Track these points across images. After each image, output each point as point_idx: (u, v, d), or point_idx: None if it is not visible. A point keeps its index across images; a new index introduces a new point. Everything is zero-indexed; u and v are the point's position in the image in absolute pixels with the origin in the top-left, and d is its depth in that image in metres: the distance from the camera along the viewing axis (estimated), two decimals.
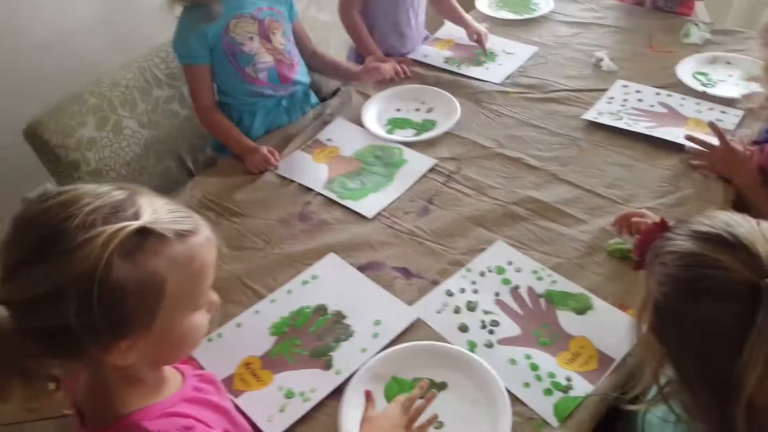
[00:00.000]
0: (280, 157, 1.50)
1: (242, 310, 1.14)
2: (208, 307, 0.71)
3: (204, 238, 0.67)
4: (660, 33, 1.88)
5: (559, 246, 1.20)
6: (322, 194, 1.39)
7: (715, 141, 1.36)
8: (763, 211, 1.24)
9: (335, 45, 2.28)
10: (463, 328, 1.06)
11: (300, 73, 1.64)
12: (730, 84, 1.61)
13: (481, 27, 1.93)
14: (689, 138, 1.36)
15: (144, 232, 0.60)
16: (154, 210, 0.63)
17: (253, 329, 1.10)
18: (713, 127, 1.33)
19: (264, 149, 1.48)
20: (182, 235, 0.64)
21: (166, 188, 1.73)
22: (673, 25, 1.92)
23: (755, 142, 1.30)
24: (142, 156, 1.65)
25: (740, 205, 1.27)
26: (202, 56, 1.50)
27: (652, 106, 1.56)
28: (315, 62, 1.75)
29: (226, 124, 1.56)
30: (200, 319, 0.70)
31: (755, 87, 1.36)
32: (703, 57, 1.71)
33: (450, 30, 2.03)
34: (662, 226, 0.79)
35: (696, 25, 1.82)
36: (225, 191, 1.42)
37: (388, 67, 1.72)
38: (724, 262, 0.64)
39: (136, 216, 0.61)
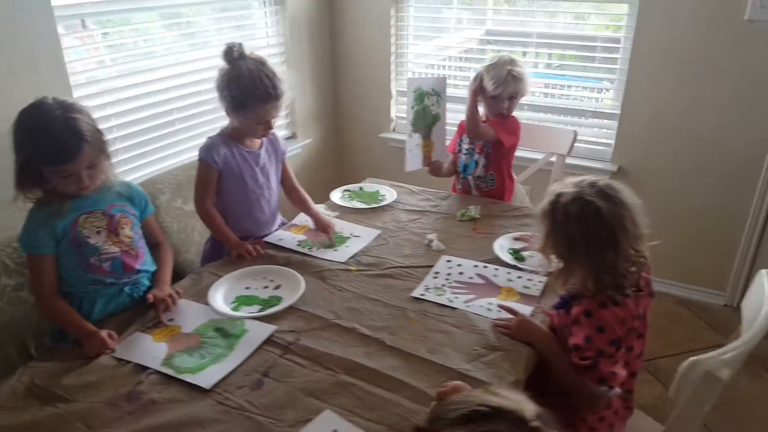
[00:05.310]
0: (118, 340, 1.49)
1: None
2: None
3: None
4: (483, 218, 2.20)
5: (383, 412, 1.26)
6: (157, 372, 1.39)
7: (522, 308, 1.59)
8: (556, 364, 1.42)
9: (200, 230, 2.40)
10: None
11: (145, 263, 1.71)
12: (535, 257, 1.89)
13: (330, 219, 2.14)
14: (501, 307, 1.59)
15: None
16: None
17: None
18: (503, 307, 1.59)
19: (103, 333, 1.47)
20: None
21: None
22: (493, 211, 2.26)
23: (554, 307, 1.51)
24: None
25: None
26: (48, 246, 1.55)
27: (471, 278, 1.78)
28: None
29: (66, 308, 1.56)
30: None
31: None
32: (512, 236, 2.01)
33: (305, 217, 2.23)
34: None
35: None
36: (54, 377, 1.37)
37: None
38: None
39: None
